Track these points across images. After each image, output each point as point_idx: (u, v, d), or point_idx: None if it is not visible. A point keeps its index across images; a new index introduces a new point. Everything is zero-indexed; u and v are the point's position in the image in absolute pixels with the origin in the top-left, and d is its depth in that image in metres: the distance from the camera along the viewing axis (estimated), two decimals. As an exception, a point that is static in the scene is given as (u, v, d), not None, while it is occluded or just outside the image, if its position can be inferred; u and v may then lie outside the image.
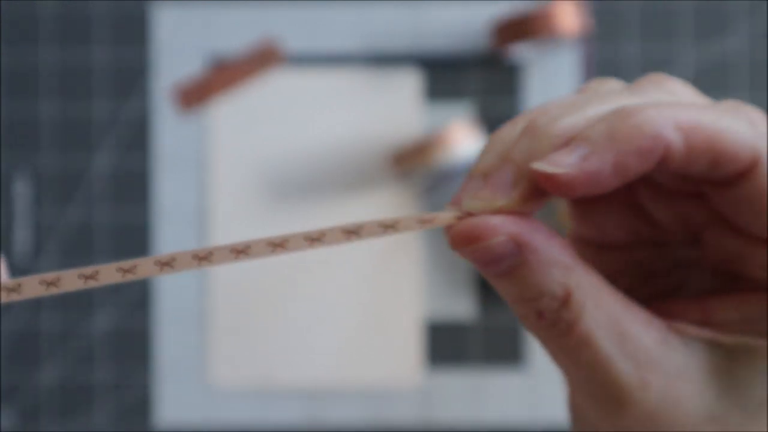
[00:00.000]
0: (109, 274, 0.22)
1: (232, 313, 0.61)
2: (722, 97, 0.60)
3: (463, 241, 0.22)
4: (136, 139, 0.61)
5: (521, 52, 0.59)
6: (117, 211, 0.61)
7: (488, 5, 0.61)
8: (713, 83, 0.61)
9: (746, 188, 0.22)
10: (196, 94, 0.62)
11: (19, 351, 0.61)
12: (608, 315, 0.22)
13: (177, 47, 0.62)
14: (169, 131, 0.61)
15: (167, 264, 0.22)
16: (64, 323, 0.61)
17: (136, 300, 0.61)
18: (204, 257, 0.22)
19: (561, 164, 0.21)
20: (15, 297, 0.23)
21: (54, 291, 0.22)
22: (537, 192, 0.22)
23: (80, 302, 0.61)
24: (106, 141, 0.61)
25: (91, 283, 0.22)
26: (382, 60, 0.61)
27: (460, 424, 0.61)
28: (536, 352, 0.60)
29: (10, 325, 0.60)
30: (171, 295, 0.61)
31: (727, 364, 0.23)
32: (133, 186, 0.61)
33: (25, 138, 0.61)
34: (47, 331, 0.61)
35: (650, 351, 0.22)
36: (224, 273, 0.61)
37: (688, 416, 0.23)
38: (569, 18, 0.57)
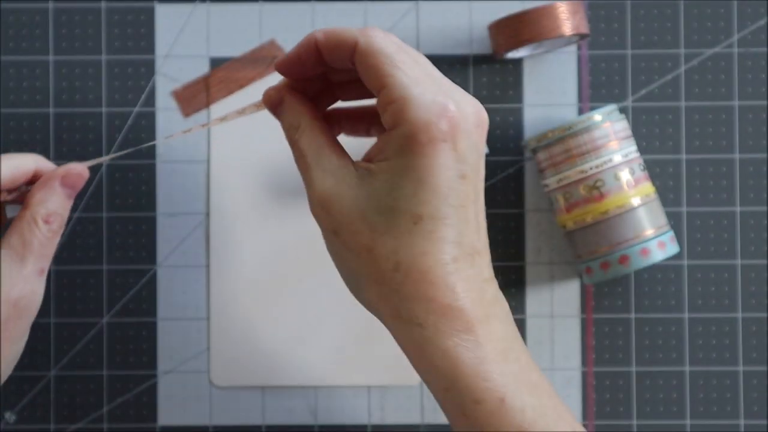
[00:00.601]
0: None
1: (232, 313, 0.61)
2: (722, 97, 0.61)
3: (263, 100, 0.45)
4: (138, 141, 0.61)
5: (521, 52, 0.59)
6: (119, 211, 0.61)
7: (488, 6, 0.61)
8: (712, 83, 0.61)
9: (357, 62, 0.41)
10: (197, 97, 0.62)
11: (18, 351, 0.61)
12: (317, 143, 0.42)
13: (179, 50, 0.62)
14: (171, 133, 0.61)
15: None
16: (64, 323, 0.61)
17: (137, 299, 0.61)
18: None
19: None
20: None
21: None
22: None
23: (80, 301, 0.61)
24: (108, 143, 0.61)
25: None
26: (382, 60, 0.61)
27: (460, 423, 0.61)
28: (535, 350, 0.60)
29: (9, 326, 0.60)
30: (172, 295, 0.61)
31: (371, 180, 0.40)
32: (135, 186, 0.61)
33: (27, 140, 0.61)
34: (47, 330, 0.61)
35: (332, 164, 0.41)
36: (225, 273, 0.61)
37: (347, 208, 0.40)
38: (569, 18, 0.57)
